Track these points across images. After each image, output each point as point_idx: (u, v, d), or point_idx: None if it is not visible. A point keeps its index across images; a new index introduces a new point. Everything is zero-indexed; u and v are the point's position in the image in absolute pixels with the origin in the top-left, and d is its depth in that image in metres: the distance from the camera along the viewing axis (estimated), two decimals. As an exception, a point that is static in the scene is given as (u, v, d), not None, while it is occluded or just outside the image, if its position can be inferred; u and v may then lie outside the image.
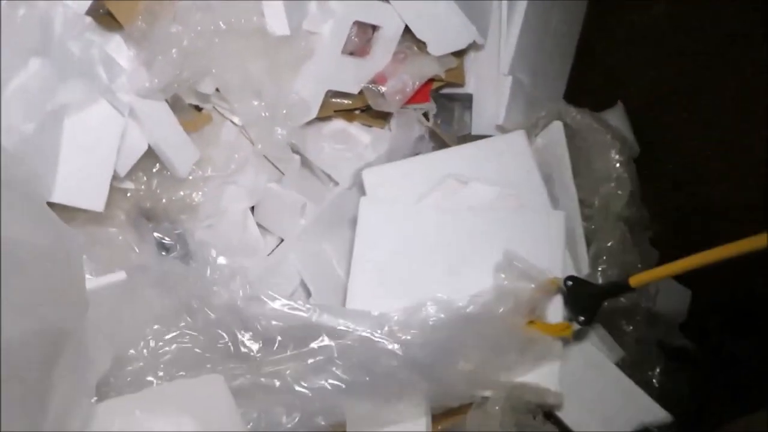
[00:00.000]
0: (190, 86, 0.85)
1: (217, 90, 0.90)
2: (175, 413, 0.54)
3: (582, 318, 0.77)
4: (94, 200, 0.73)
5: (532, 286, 0.75)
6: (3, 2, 0.64)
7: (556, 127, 1.00)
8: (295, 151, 1.01)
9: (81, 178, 0.71)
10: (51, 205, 0.70)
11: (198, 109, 0.93)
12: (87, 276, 0.73)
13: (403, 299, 0.76)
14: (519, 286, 0.74)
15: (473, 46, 1.01)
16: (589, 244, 0.93)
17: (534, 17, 1.00)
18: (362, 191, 0.95)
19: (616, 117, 1.09)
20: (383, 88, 1.00)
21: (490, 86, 1.02)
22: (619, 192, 0.96)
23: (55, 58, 0.65)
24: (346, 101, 1.03)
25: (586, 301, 0.78)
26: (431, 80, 1.03)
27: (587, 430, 0.79)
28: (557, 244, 0.82)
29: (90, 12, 0.75)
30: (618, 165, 0.98)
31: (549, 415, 0.80)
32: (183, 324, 0.71)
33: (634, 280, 0.74)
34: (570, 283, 0.77)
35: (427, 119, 1.04)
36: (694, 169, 1.06)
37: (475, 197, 0.90)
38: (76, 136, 0.69)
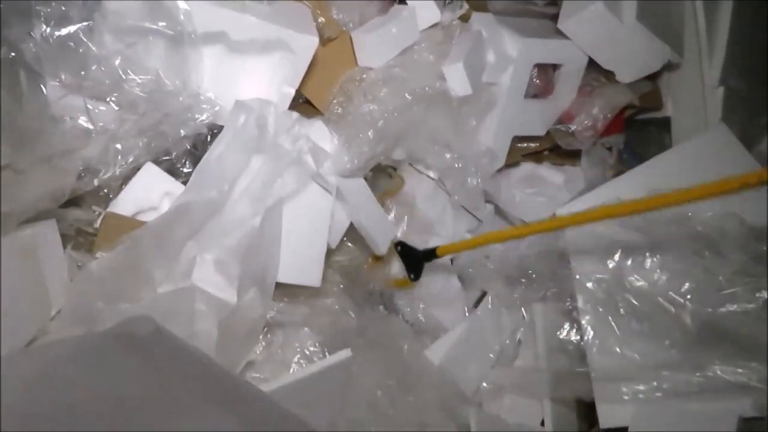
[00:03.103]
0: (386, 156, 0.89)
1: (409, 152, 0.93)
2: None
3: (413, 275, 0.89)
4: (313, 277, 0.78)
5: None
6: (229, 113, 0.72)
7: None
8: (488, 199, 1.01)
9: (300, 258, 0.77)
10: (277, 284, 0.76)
11: (393, 168, 0.97)
12: (311, 348, 0.80)
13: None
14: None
15: (668, 66, 0.93)
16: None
17: (743, 16, 0.90)
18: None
19: None
20: (572, 127, 0.96)
21: (694, 103, 0.94)
22: None
23: (271, 154, 0.72)
24: (532, 144, 1.01)
25: (413, 261, 0.89)
26: (624, 108, 0.98)
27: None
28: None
29: (291, 103, 0.82)
30: None
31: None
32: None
33: (441, 251, 0.85)
34: (399, 248, 0.90)
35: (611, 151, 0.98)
36: None
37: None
38: (293, 221, 0.75)
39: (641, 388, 0.77)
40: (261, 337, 0.75)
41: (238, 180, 0.69)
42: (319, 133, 0.81)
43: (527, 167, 1.04)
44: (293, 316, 0.79)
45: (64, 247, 0.68)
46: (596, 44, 0.90)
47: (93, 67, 0.61)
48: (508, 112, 0.94)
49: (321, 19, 0.81)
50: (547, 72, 0.97)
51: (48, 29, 0.58)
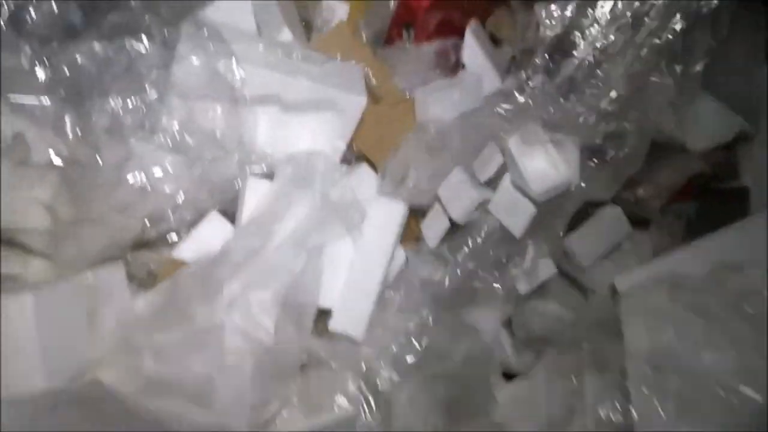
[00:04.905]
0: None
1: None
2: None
3: None
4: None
5: None
6: (279, 164, 0.77)
7: None
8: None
9: (349, 304, 0.79)
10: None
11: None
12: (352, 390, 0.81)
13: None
14: None
15: (745, 135, 0.89)
16: None
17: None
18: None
19: None
20: (639, 192, 0.94)
21: (772, 174, 0.89)
22: None
23: (316, 204, 0.76)
24: (599, 208, 0.98)
25: None
26: (696, 176, 0.94)
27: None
28: None
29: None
30: None
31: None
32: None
33: None
34: None
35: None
36: None
37: (755, 283, 0.76)
38: (332, 260, 0.79)
39: (689, 475, 0.73)
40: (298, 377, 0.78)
41: (282, 227, 0.74)
42: (364, 176, 0.85)
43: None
44: (333, 356, 0.81)
45: (135, 287, 0.76)
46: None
47: (159, 131, 0.70)
48: (574, 176, 0.93)
49: (374, 81, 0.86)
50: (613, 136, 0.95)
51: (121, 101, 0.68)
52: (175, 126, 0.70)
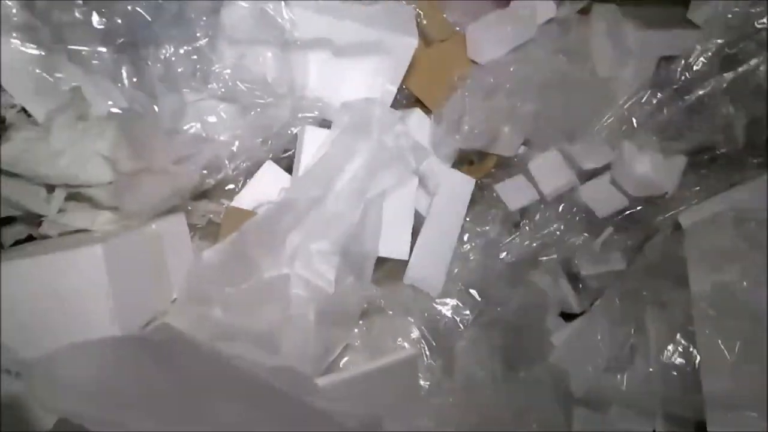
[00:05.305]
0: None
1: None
2: None
3: None
4: (401, 250, 0.80)
5: None
6: (335, 113, 0.77)
7: None
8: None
9: (393, 237, 0.80)
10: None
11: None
12: (413, 335, 0.83)
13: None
14: None
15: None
16: None
17: None
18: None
19: None
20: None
21: None
22: None
23: (373, 151, 0.76)
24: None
25: None
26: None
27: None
28: None
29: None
30: None
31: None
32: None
33: None
34: None
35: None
36: None
37: None
38: (390, 210, 0.79)
39: (755, 416, 0.72)
40: (361, 322, 0.80)
41: (340, 176, 0.74)
42: (417, 121, 0.84)
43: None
44: (394, 303, 0.82)
45: (196, 236, 0.78)
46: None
47: (211, 78, 0.69)
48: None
49: (424, 22, 0.83)
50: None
51: (173, 48, 0.67)
52: (227, 72, 0.70)
